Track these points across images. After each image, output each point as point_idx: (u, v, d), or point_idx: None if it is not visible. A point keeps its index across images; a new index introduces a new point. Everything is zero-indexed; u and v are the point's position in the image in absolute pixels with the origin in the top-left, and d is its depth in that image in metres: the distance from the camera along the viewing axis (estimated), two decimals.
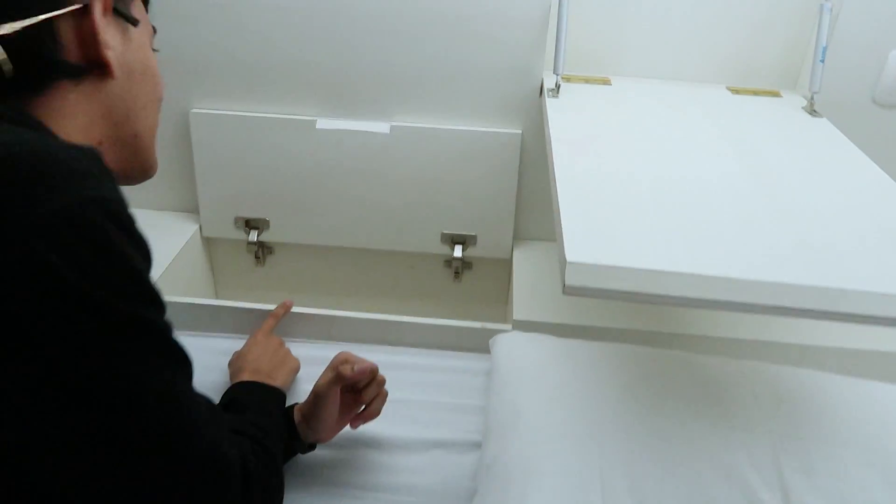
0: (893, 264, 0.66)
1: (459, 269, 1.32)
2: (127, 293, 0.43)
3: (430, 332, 1.10)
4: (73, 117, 0.51)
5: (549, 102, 1.05)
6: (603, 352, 0.92)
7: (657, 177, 0.81)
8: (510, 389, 0.87)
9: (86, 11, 0.51)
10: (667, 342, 1.04)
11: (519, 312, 1.08)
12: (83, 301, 0.41)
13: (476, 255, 1.29)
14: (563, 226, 0.68)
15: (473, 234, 1.27)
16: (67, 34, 0.50)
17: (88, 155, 0.47)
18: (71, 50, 0.51)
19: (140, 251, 0.45)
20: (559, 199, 0.74)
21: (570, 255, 0.64)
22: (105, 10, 0.52)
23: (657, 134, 0.97)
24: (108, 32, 0.53)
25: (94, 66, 0.52)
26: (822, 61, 1.06)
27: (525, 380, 0.88)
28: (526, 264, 1.23)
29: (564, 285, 0.63)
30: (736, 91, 1.16)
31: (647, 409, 0.81)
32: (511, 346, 0.95)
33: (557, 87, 1.09)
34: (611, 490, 0.73)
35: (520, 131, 1.18)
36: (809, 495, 0.72)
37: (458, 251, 1.27)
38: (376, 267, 1.36)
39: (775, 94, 1.15)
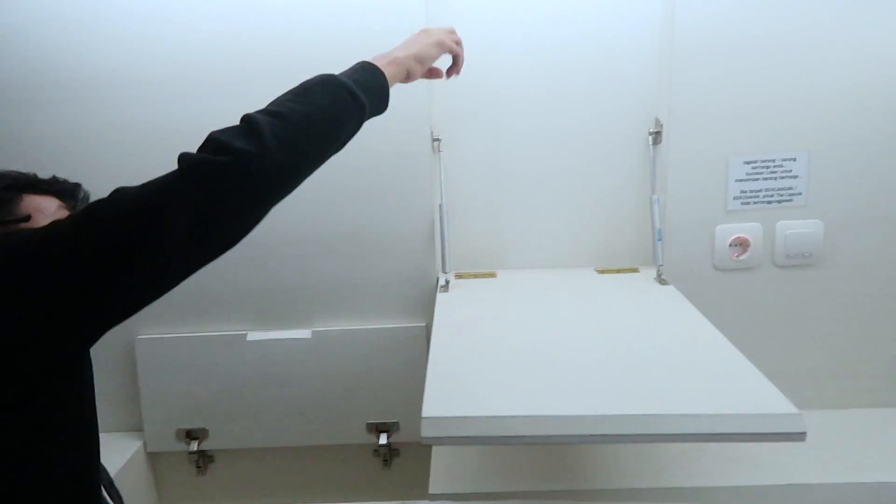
0: (696, 391, 0.81)
1: (387, 456, 1.42)
2: None
3: None
4: None
5: (440, 297, 1.24)
6: None
7: (519, 344, 0.98)
8: None
9: None
10: (586, 498, 1.13)
11: (434, 486, 1.17)
12: None
13: (401, 441, 1.40)
14: (426, 388, 0.83)
15: (395, 420, 1.39)
16: None
17: None
18: None
19: None
20: (428, 367, 0.89)
21: (426, 411, 0.78)
22: None
23: (529, 312, 1.15)
24: None
25: None
26: (660, 240, 1.29)
27: None
28: None
29: (421, 437, 0.76)
30: (602, 271, 1.37)
31: None
32: None
33: (447, 283, 1.29)
34: None
35: (424, 324, 1.36)
36: None
37: (383, 439, 1.38)
38: (312, 464, 1.45)
39: (635, 271, 1.36)
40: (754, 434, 0.75)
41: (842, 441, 1.27)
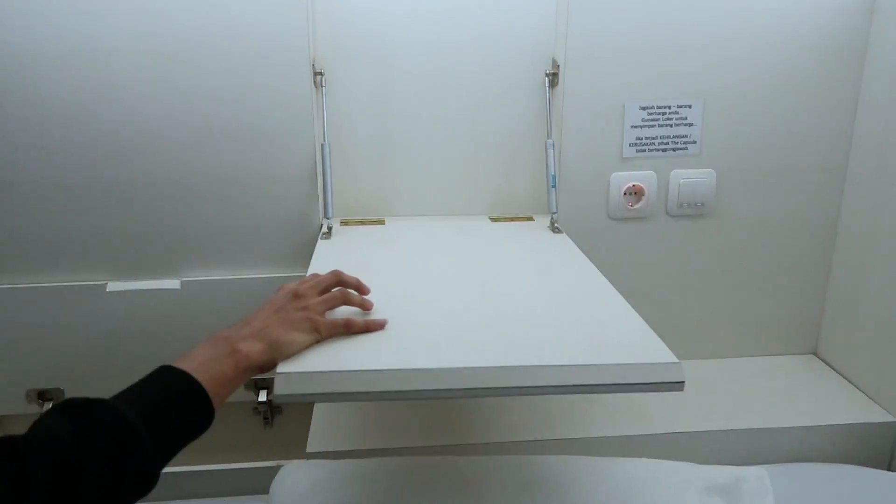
0: (577, 341, 0.77)
1: (268, 414, 1.33)
2: None
3: (232, 477, 1.11)
4: None
5: (320, 245, 1.14)
6: (368, 468, 0.96)
7: (397, 295, 0.90)
8: None
9: None
10: (470, 452, 1.09)
11: (312, 445, 1.10)
12: None
13: None
14: None
15: (271, 376, 1.30)
16: None
17: None
18: None
19: None
20: None
21: (280, 367, 0.70)
22: None
23: (412, 261, 1.07)
24: None
25: None
26: (555, 187, 1.24)
27: None
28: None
29: (274, 393, 0.68)
30: (496, 219, 1.31)
31: None
32: (284, 479, 0.97)
33: (329, 230, 1.20)
34: None
35: (305, 273, 1.26)
36: None
37: (262, 396, 1.29)
38: None
39: (529, 219, 1.31)
40: (631, 384, 0.71)
41: (733, 389, 1.29)
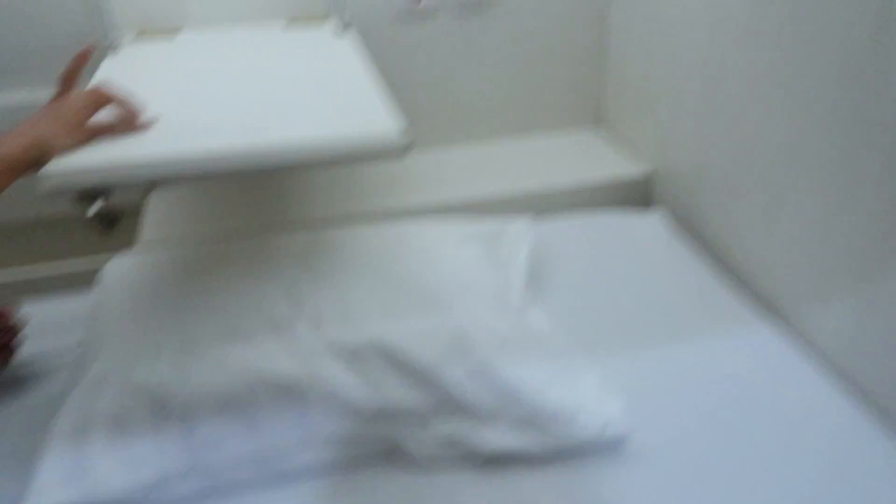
0: (313, 122, 0.87)
1: (107, 223, 1.40)
2: None
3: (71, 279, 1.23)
4: None
5: (106, 62, 1.17)
6: (187, 256, 1.09)
7: (168, 91, 0.98)
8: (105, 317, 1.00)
9: None
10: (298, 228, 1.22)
11: (145, 234, 1.23)
12: None
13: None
14: None
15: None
16: None
17: None
18: None
19: None
20: None
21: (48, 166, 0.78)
22: None
23: (204, 64, 1.13)
24: None
25: None
26: None
27: (111, 303, 1.01)
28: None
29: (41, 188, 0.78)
30: (291, 20, 1.36)
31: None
32: (112, 268, 1.07)
33: (112, 45, 1.22)
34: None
35: None
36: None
37: (93, 210, 1.37)
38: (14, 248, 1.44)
39: (325, 18, 1.37)
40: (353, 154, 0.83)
41: (521, 161, 1.49)
